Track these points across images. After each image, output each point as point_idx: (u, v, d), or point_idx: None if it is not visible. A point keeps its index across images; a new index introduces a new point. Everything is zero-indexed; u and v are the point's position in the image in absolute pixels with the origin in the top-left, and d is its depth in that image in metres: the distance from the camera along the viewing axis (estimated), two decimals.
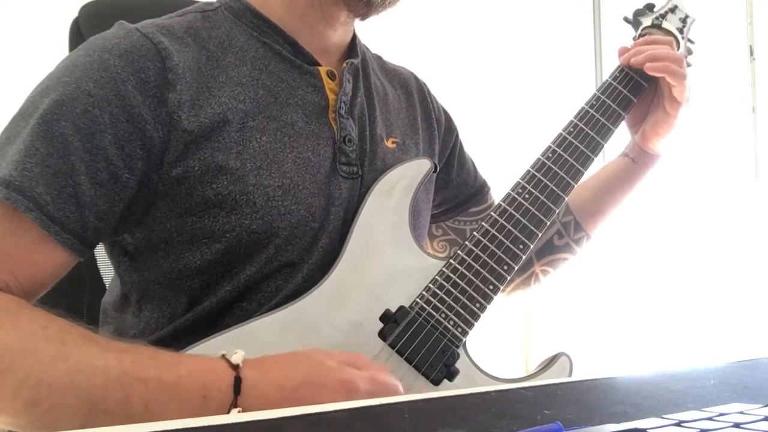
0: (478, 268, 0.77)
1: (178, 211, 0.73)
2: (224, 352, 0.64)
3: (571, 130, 0.87)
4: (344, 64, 0.85)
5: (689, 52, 1.01)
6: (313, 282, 0.75)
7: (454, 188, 1.02)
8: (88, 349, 0.61)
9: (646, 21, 1.00)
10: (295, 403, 0.60)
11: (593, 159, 0.87)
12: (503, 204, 0.82)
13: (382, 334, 0.73)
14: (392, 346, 0.72)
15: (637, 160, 0.99)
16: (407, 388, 0.71)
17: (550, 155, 0.85)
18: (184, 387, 0.61)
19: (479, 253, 0.78)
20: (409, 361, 0.72)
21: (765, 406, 0.40)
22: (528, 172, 0.84)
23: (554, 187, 0.83)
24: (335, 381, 0.63)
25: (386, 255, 0.78)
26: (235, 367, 0.62)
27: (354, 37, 0.90)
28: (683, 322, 2.01)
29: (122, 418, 0.59)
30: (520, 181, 0.84)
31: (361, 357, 0.67)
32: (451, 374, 0.74)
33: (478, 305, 0.76)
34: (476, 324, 0.76)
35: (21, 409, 0.60)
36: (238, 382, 0.61)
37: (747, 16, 2.05)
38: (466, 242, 0.79)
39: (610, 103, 0.90)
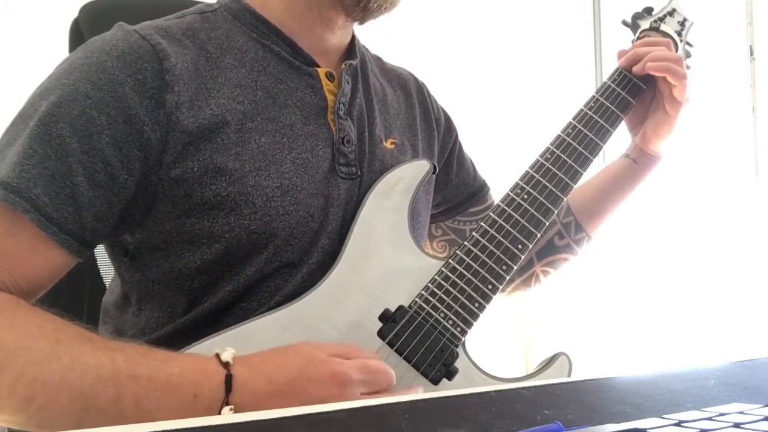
0: (477, 267, 0.77)
1: (178, 212, 0.73)
2: (217, 351, 0.64)
3: (570, 131, 0.87)
4: (343, 66, 0.85)
5: (688, 55, 1.01)
6: (313, 282, 0.75)
7: (453, 188, 1.02)
8: (82, 348, 0.62)
9: (645, 24, 1.00)
10: (287, 398, 0.61)
11: (592, 160, 0.87)
12: (502, 205, 0.82)
13: (381, 334, 0.73)
14: (391, 344, 0.72)
15: (639, 161, 0.98)
16: (406, 388, 0.71)
17: (548, 156, 0.85)
18: (175, 385, 0.61)
19: (478, 253, 0.78)
20: (408, 359, 0.72)
21: (765, 406, 0.40)
22: (527, 173, 0.84)
23: (553, 188, 0.83)
24: (327, 374, 0.63)
25: (385, 255, 0.78)
26: (226, 365, 0.62)
27: (353, 38, 0.90)
28: (683, 322, 2.01)
29: (114, 416, 0.59)
30: (519, 182, 0.84)
31: (351, 347, 0.68)
32: (450, 373, 0.74)
33: (477, 305, 0.76)
34: (475, 323, 0.76)
35: (16, 407, 0.61)
36: (228, 380, 0.61)
37: (747, 16, 2.05)
38: (465, 242, 0.79)
39: (609, 105, 0.90)
